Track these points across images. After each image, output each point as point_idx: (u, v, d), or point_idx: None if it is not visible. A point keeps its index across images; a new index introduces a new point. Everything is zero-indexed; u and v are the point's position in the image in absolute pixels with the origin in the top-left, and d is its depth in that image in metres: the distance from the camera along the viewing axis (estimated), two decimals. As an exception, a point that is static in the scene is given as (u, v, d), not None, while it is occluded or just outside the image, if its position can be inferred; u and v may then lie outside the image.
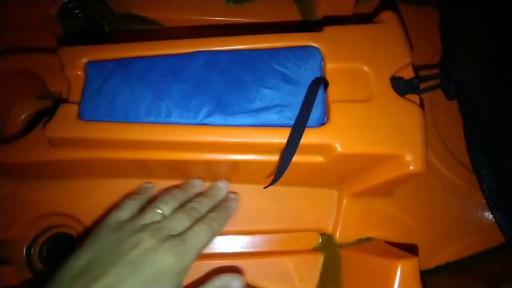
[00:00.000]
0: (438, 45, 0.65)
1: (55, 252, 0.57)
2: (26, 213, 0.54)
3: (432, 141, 0.62)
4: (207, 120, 0.44)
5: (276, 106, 0.45)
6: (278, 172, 0.44)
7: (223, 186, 0.54)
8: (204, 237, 0.45)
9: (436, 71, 0.50)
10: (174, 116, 0.44)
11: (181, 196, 0.50)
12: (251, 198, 0.57)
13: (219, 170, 0.52)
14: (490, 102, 0.50)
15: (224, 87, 0.46)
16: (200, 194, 0.53)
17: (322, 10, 0.65)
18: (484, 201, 0.55)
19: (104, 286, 0.38)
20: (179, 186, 0.53)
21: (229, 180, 0.55)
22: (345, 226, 0.56)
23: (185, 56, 0.47)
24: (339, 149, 0.44)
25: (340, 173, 0.53)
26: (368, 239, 0.56)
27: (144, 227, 0.44)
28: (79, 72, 0.47)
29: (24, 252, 0.55)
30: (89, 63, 0.47)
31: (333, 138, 0.44)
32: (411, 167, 0.44)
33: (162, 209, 0.47)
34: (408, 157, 0.44)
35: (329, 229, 0.57)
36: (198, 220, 0.47)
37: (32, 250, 0.55)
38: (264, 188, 0.46)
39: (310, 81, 0.46)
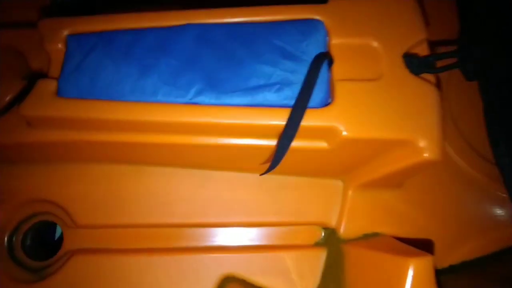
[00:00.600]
0: (455, 19, 0.59)
1: (39, 241, 0.54)
2: (7, 199, 0.51)
3: (446, 128, 0.57)
4: (198, 99, 0.40)
5: (274, 84, 0.40)
6: (276, 158, 0.39)
7: None
8: None
9: (453, 48, 0.45)
10: (161, 94, 0.41)
11: None
12: (248, 188, 0.53)
13: (210, 155, 0.48)
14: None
15: (217, 63, 0.41)
16: None
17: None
18: (504, 195, 0.50)
19: None
20: None
21: (222, 167, 0.51)
22: (350, 220, 0.52)
23: (174, 29, 0.43)
24: (344, 132, 0.40)
25: (346, 161, 0.48)
26: (375, 235, 0.52)
27: None
28: (59, 45, 0.43)
29: (5, 241, 0.51)
30: (71, 36, 0.43)
31: (337, 120, 0.40)
32: (425, 155, 0.40)
33: None
34: (422, 143, 0.40)
35: (333, 223, 0.52)
36: None
37: (14, 239, 0.52)
38: (260, 175, 0.42)
39: (312, 57, 0.41)
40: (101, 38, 0.43)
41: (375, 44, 0.42)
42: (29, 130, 0.43)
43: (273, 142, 0.42)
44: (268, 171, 0.41)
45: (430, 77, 0.43)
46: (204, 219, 0.52)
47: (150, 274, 0.50)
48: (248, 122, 0.40)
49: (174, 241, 0.52)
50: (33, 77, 0.50)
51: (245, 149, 0.44)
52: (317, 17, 0.43)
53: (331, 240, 0.53)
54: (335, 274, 0.50)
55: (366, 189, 0.52)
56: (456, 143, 0.57)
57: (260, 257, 0.52)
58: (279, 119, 0.39)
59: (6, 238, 0.51)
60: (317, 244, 0.53)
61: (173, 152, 0.47)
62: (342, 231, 0.52)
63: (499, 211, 0.55)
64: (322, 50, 0.42)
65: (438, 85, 0.42)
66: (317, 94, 0.40)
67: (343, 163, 0.49)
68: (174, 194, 0.52)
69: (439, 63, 0.43)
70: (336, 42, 0.43)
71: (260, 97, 0.40)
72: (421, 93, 0.41)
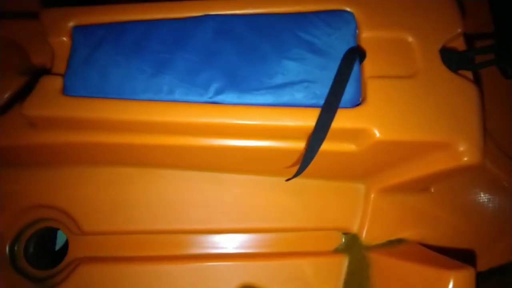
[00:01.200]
0: (488, 11, 0.56)
1: (42, 249, 0.50)
2: (8, 205, 0.48)
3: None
4: (218, 98, 0.37)
5: (301, 81, 0.37)
6: (304, 162, 0.36)
7: None
8: None
9: (488, 43, 0.42)
10: (178, 93, 0.37)
11: None
12: (266, 192, 0.50)
13: (229, 158, 0.45)
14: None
15: (239, 59, 0.38)
16: None
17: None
18: None
19: None
20: None
21: (239, 170, 0.48)
22: (373, 225, 0.49)
23: (190, 21, 0.39)
24: (377, 135, 0.37)
25: (371, 164, 0.45)
26: (400, 241, 0.49)
27: None
28: (64, 38, 0.40)
29: (7, 250, 0.48)
30: (76, 27, 0.40)
31: (370, 121, 0.37)
32: (465, 159, 0.37)
33: None
34: (462, 147, 0.37)
35: (354, 228, 0.50)
36: None
37: (16, 246, 0.49)
38: (287, 180, 0.39)
39: (342, 52, 0.38)
40: (110, 30, 0.39)
41: (410, 38, 0.39)
42: (32, 131, 0.40)
43: (298, 145, 0.39)
44: (295, 175, 0.38)
45: (468, 73, 0.40)
46: (218, 225, 0.49)
47: (161, 285, 0.47)
48: (273, 123, 0.37)
49: (186, 248, 0.49)
50: (35, 72, 0.46)
51: (269, 151, 0.41)
52: (346, 8, 0.40)
53: (352, 246, 0.50)
54: (360, 283, 0.47)
55: (389, 193, 0.49)
56: (486, 145, 0.54)
57: (278, 265, 0.49)
58: (308, 120, 0.36)
59: (8, 247, 0.48)
60: (337, 250, 0.50)
61: (189, 154, 0.44)
62: (364, 236, 0.49)
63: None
64: (352, 45, 0.39)
65: (478, 82, 0.39)
66: (348, 92, 0.37)
67: (367, 166, 0.46)
68: (186, 198, 0.49)
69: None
70: (366, 35, 0.40)
71: (286, 96, 0.37)
72: (460, 92, 0.38)
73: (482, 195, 0.53)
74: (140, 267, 0.47)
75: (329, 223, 0.50)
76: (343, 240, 0.51)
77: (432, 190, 0.51)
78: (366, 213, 0.49)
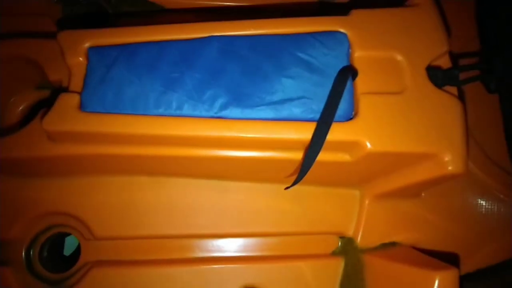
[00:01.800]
0: (473, 30, 0.59)
1: (56, 253, 0.53)
2: (26, 212, 0.50)
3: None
4: (223, 113, 0.40)
5: (299, 98, 0.40)
6: (302, 172, 0.39)
7: None
8: None
9: (473, 60, 0.45)
10: (186, 108, 0.40)
11: None
12: (266, 198, 0.52)
13: (232, 167, 0.48)
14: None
15: (242, 77, 0.41)
16: None
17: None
18: None
19: None
20: None
21: (242, 178, 0.51)
22: (368, 229, 0.52)
23: (197, 42, 0.42)
24: (369, 146, 0.40)
25: (365, 173, 0.48)
26: (393, 244, 0.52)
27: None
28: (80, 59, 0.43)
29: (23, 253, 0.51)
30: (92, 48, 0.43)
31: (362, 134, 0.40)
32: (449, 168, 0.40)
33: None
34: (447, 157, 0.40)
35: (350, 232, 0.52)
36: None
37: (32, 251, 0.52)
38: (286, 189, 0.42)
39: (336, 70, 0.41)
40: (123, 51, 0.42)
41: (398, 57, 0.42)
42: (51, 144, 0.43)
43: (297, 155, 0.42)
44: (294, 183, 0.40)
45: (453, 89, 0.43)
46: (222, 229, 0.52)
47: (168, 286, 0.50)
48: (273, 136, 0.40)
49: (192, 252, 0.52)
50: (51, 88, 0.49)
51: (269, 161, 0.44)
52: (340, 29, 0.43)
53: (348, 249, 0.52)
54: (355, 284, 0.50)
55: (383, 199, 0.52)
56: (474, 154, 0.57)
57: (278, 267, 0.52)
58: (305, 134, 0.39)
59: (24, 251, 0.50)
60: (334, 253, 0.53)
61: (196, 164, 0.47)
62: (360, 240, 0.52)
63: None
64: (345, 63, 0.42)
65: (461, 98, 0.42)
66: (342, 107, 0.40)
67: (362, 174, 0.49)
68: (193, 204, 0.51)
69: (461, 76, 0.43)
70: (359, 54, 0.43)
71: (285, 111, 0.40)
72: (445, 106, 0.41)
73: (471, 201, 0.56)
74: (148, 270, 0.50)
75: (326, 228, 0.53)
76: (340, 243, 0.53)
77: (423, 196, 0.55)
78: (361, 218, 0.52)
